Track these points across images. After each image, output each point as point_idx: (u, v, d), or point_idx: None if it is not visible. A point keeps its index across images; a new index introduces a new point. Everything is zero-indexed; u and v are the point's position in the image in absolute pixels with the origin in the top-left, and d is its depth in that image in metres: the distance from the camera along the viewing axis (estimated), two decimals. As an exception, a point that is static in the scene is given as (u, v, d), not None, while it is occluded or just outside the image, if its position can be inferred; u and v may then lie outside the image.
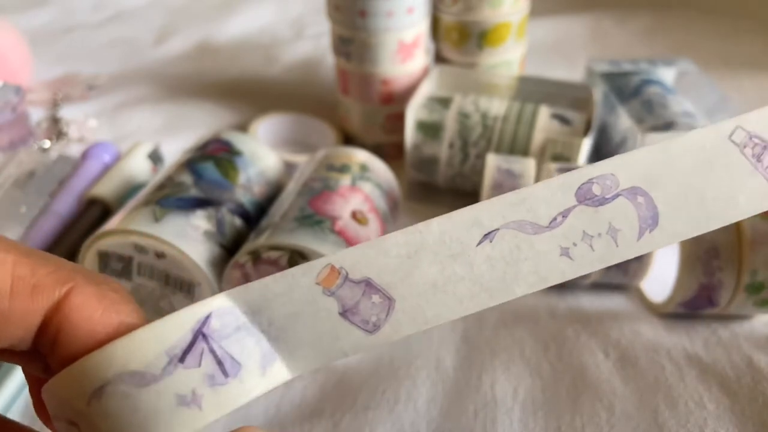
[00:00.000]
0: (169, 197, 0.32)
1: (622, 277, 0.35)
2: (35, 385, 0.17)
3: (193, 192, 0.33)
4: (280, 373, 0.16)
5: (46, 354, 0.15)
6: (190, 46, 0.70)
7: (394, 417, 0.29)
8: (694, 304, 0.33)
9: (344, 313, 0.16)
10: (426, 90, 0.44)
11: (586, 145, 0.40)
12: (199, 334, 0.15)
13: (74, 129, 0.52)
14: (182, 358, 0.14)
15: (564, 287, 0.37)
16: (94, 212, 0.39)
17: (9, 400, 0.30)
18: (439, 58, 0.49)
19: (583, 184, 0.16)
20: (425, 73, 0.47)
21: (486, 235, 0.16)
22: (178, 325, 0.15)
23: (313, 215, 0.31)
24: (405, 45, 0.44)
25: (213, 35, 0.72)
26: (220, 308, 0.15)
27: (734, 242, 0.31)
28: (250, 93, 0.60)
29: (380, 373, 0.31)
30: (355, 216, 0.32)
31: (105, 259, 0.32)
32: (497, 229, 0.16)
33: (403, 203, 0.42)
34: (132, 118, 0.55)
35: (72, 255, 0.36)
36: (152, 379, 0.14)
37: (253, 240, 0.31)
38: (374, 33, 0.43)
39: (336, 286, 0.16)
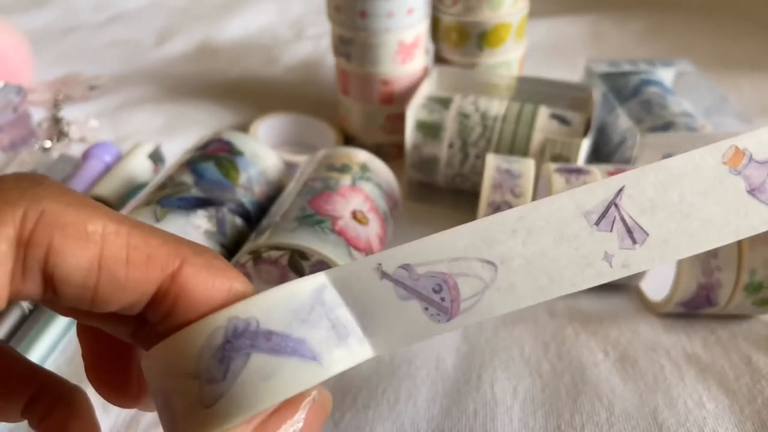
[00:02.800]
0: (170, 197, 0.32)
1: (621, 276, 0.35)
2: (92, 351, 0.18)
3: (194, 192, 0.33)
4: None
5: (155, 321, 0.15)
6: (191, 46, 0.70)
7: (394, 415, 0.29)
8: (693, 304, 0.33)
9: (752, 192, 0.16)
10: (426, 90, 0.44)
11: (585, 145, 0.40)
12: (612, 204, 0.16)
13: (75, 129, 0.52)
14: (597, 222, 0.16)
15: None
16: (96, 212, 0.39)
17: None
18: (439, 59, 0.49)
19: None
20: (425, 73, 0.47)
21: None
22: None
23: (314, 215, 0.31)
24: (405, 45, 0.44)
25: (214, 36, 0.72)
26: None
27: (733, 242, 0.31)
28: (251, 93, 0.60)
29: (380, 372, 0.31)
30: (356, 216, 0.32)
31: (106, 259, 0.32)
32: None
33: (403, 203, 0.42)
34: (133, 118, 0.55)
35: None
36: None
37: (254, 240, 0.31)
38: (374, 33, 0.43)
39: (742, 166, 0.16)
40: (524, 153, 0.41)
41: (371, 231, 0.33)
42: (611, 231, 0.16)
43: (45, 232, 0.13)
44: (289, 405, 0.15)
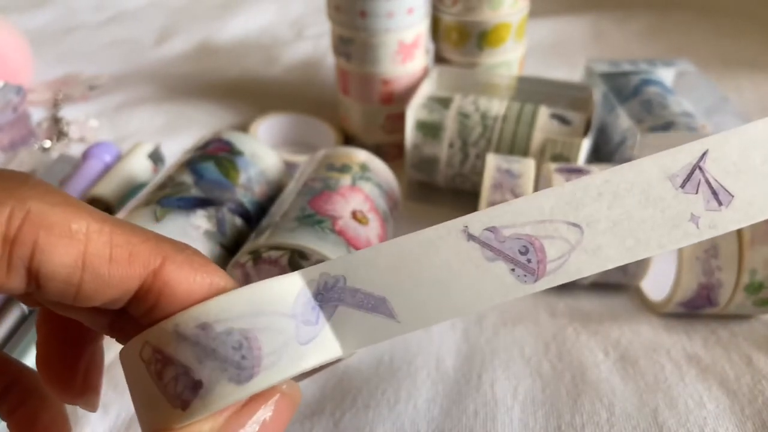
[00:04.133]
0: (169, 197, 0.32)
1: (621, 276, 0.35)
2: (47, 343, 0.18)
3: (194, 192, 0.33)
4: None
5: (139, 315, 0.16)
6: (191, 46, 0.70)
7: (394, 416, 0.29)
8: (694, 304, 0.33)
9: None
10: (426, 90, 0.44)
11: (586, 145, 0.40)
12: (697, 168, 0.16)
13: (75, 129, 0.52)
14: (683, 184, 0.16)
15: (563, 287, 0.37)
16: (95, 212, 0.39)
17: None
18: (439, 59, 0.49)
19: None
20: (425, 73, 0.47)
21: None
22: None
23: (314, 215, 0.31)
24: (405, 45, 0.44)
25: (214, 36, 0.72)
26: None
27: (733, 242, 0.31)
28: (251, 93, 0.60)
29: (380, 373, 0.31)
30: (356, 216, 0.32)
31: (106, 259, 0.32)
32: None
33: (403, 203, 0.42)
34: (133, 118, 0.55)
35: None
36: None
37: (254, 240, 0.31)
38: (374, 33, 0.43)
39: None
40: (524, 153, 0.40)
41: (371, 231, 0.33)
42: (697, 193, 0.16)
43: (30, 230, 0.14)
44: (258, 398, 0.16)
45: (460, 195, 0.45)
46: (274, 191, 0.37)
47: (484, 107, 0.42)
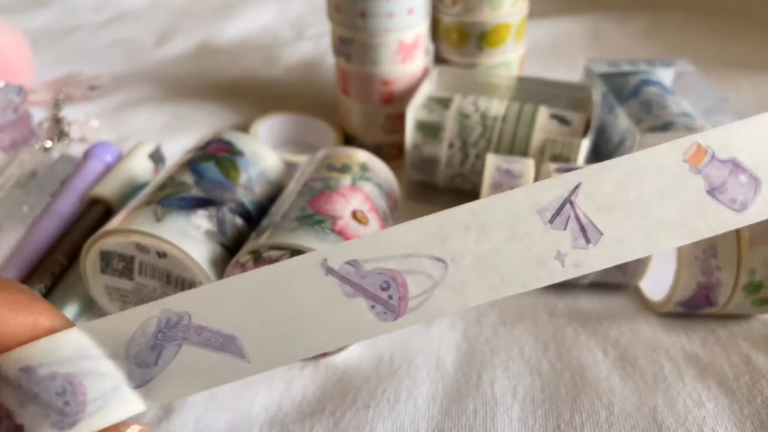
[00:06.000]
0: (170, 197, 0.32)
1: (620, 276, 0.35)
2: None
3: (195, 192, 0.33)
4: None
5: None
6: (192, 46, 0.70)
7: (394, 415, 0.29)
8: (693, 304, 0.33)
9: (711, 192, 0.16)
10: (426, 90, 0.44)
11: (585, 145, 0.40)
12: (567, 202, 0.16)
13: (76, 129, 0.52)
14: (551, 220, 0.16)
15: (563, 286, 0.37)
16: (96, 212, 0.39)
17: None
18: (439, 59, 0.49)
19: None
20: (425, 73, 0.47)
21: None
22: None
23: (314, 215, 0.31)
24: (405, 46, 0.44)
25: (214, 36, 0.72)
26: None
27: (733, 242, 0.31)
28: (251, 93, 0.60)
29: (380, 372, 0.31)
30: (356, 216, 0.32)
31: (107, 259, 0.32)
32: None
33: (403, 203, 0.42)
34: (133, 118, 0.55)
35: (73, 255, 0.37)
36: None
37: (254, 239, 0.31)
38: (374, 34, 0.43)
39: (703, 165, 0.16)
40: (524, 153, 0.41)
41: (371, 231, 0.33)
42: (565, 229, 0.16)
43: None
44: None
45: (460, 195, 0.45)
46: (275, 191, 0.37)
47: (484, 107, 0.42)
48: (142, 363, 0.15)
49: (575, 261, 0.16)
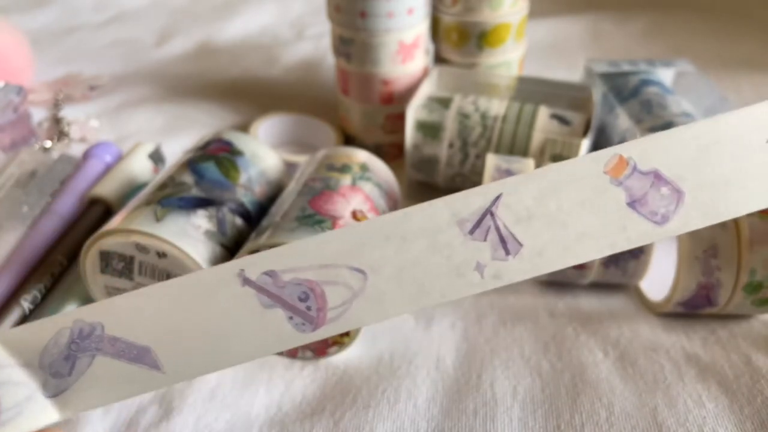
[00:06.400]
0: (170, 197, 0.32)
1: (620, 276, 0.35)
2: None
3: (195, 192, 0.33)
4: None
5: None
6: (191, 46, 0.70)
7: (394, 415, 0.29)
8: (693, 304, 0.33)
9: (632, 204, 0.15)
10: (426, 90, 0.44)
11: (585, 145, 0.40)
12: (488, 213, 0.15)
13: (76, 129, 0.52)
14: (472, 231, 0.15)
15: (563, 287, 0.37)
16: (96, 212, 0.39)
17: None
18: (439, 59, 0.49)
19: None
20: (425, 73, 0.47)
21: None
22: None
23: (314, 215, 0.31)
24: (405, 45, 0.44)
25: (214, 36, 0.72)
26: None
27: (733, 242, 0.31)
28: (251, 93, 0.60)
29: (380, 372, 0.31)
30: (356, 216, 0.32)
31: (106, 259, 0.32)
32: None
33: (403, 203, 0.42)
34: (133, 118, 0.55)
35: (73, 255, 0.37)
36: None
37: (254, 239, 0.31)
38: (375, 33, 0.43)
39: (624, 176, 0.15)
40: (524, 153, 0.41)
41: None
42: (485, 240, 0.16)
43: None
44: None
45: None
46: (275, 191, 0.37)
47: (484, 107, 0.42)
48: (57, 373, 0.15)
49: (495, 272, 0.16)
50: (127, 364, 0.15)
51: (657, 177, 0.15)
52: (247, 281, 0.15)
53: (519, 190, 0.15)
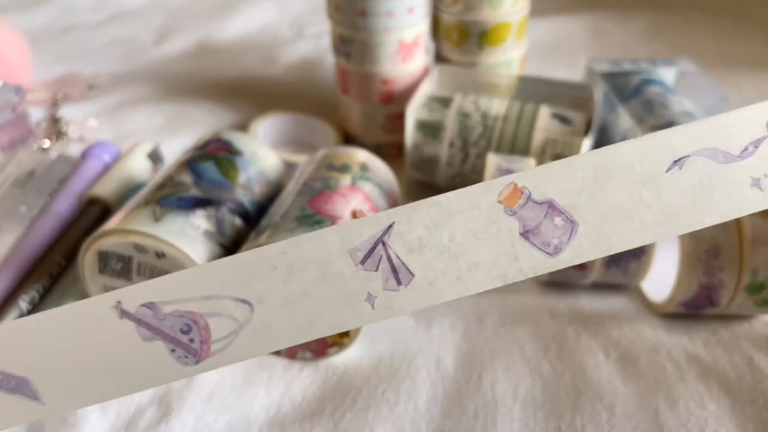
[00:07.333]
0: (169, 197, 0.32)
1: (622, 277, 0.35)
2: None
3: (193, 192, 0.33)
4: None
5: None
6: (191, 45, 0.70)
7: (394, 416, 0.29)
8: (695, 304, 0.33)
9: (525, 234, 0.15)
10: (426, 90, 0.44)
11: (587, 145, 0.40)
12: (380, 242, 0.15)
13: (74, 129, 0.52)
14: (363, 260, 0.15)
15: (564, 287, 0.37)
16: (94, 212, 0.39)
17: None
18: (440, 58, 0.49)
19: None
20: (425, 72, 0.47)
21: (676, 161, 0.15)
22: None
23: (314, 215, 0.31)
24: (405, 45, 0.44)
25: (213, 35, 0.72)
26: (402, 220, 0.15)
27: (735, 242, 0.31)
28: (251, 93, 0.60)
29: (380, 373, 0.31)
30: (356, 216, 0.32)
31: (105, 259, 0.31)
32: (688, 156, 0.15)
33: (403, 203, 0.42)
34: (132, 117, 0.55)
35: (72, 255, 0.36)
36: None
37: (254, 239, 0.31)
38: (374, 33, 0.43)
39: (518, 206, 0.15)
40: (525, 153, 0.40)
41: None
42: (376, 270, 0.15)
43: None
44: None
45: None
46: (274, 191, 0.37)
47: (485, 107, 0.42)
48: None
49: (386, 303, 0.15)
50: (5, 394, 0.15)
51: (551, 207, 0.15)
52: (125, 314, 0.15)
53: (412, 219, 0.15)
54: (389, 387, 0.31)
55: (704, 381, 0.31)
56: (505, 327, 0.34)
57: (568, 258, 0.15)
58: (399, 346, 0.33)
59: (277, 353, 0.32)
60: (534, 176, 0.15)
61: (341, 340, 0.31)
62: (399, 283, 0.15)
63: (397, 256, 0.15)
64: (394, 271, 0.15)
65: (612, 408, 0.29)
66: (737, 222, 0.32)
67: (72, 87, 0.58)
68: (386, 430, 0.28)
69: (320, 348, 0.32)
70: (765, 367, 0.31)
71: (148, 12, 0.78)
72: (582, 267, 0.34)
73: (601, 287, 0.37)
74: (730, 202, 0.15)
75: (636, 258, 0.34)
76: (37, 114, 0.55)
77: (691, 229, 0.15)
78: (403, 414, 0.29)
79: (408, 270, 0.15)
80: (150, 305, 0.15)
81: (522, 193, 0.15)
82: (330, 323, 0.15)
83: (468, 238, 0.15)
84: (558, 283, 0.37)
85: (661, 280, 0.35)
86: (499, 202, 0.15)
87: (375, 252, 0.15)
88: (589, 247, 0.15)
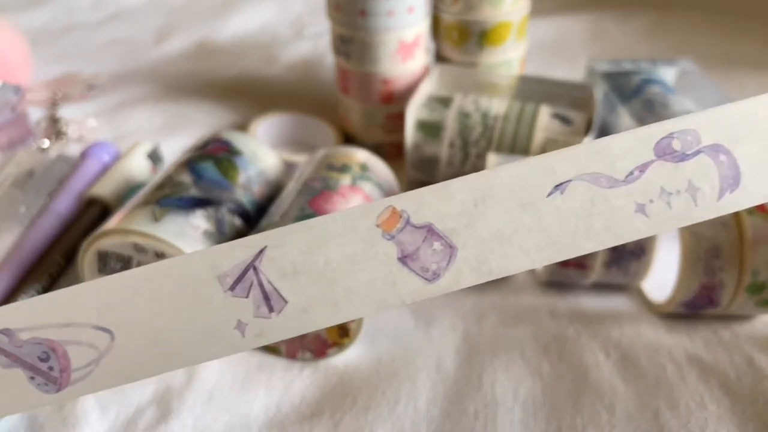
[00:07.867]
0: (168, 197, 0.32)
1: (622, 277, 0.35)
2: None
3: (193, 192, 0.33)
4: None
5: None
6: (190, 45, 0.70)
7: (394, 417, 0.29)
8: (695, 304, 0.33)
9: (403, 259, 0.15)
10: (426, 89, 0.44)
11: (587, 144, 0.39)
12: (251, 267, 0.14)
13: (73, 128, 0.52)
14: (233, 287, 0.14)
15: (564, 287, 0.37)
16: (94, 212, 0.39)
17: None
18: (440, 58, 0.49)
19: (663, 138, 0.15)
20: (425, 72, 0.47)
21: (558, 186, 0.15)
22: (231, 254, 0.14)
23: (313, 215, 0.31)
24: (405, 44, 0.44)
25: (213, 35, 0.72)
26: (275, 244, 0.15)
27: (735, 242, 0.31)
28: (250, 92, 0.60)
29: (380, 374, 0.31)
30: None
31: (104, 259, 0.31)
32: (569, 180, 0.15)
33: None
34: (131, 117, 0.55)
35: (71, 255, 0.36)
36: None
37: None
38: (374, 32, 0.43)
39: (396, 230, 0.15)
40: (525, 152, 0.40)
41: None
42: (247, 297, 0.15)
43: None
44: None
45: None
46: (274, 191, 0.37)
47: (485, 107, 0.42)
48: None
49: (257, 331, 0.15)
50: None
51: (430, 231, 0.15)
52: None
53: (285, 243, 0.15)
54: (389, 387, 0.30)
55: (705, 381, 0.31)
56: (505, 327, 0.34)
57: (446, 284, 0.15)
58: (399, 347, 0.33)
59: (277, 353, 0.32)
60: (412, 199, 0.15)
61: (341, 340, 0.31)
62: (271, 310, 0.15)
63: (269, 282, 0.15)
64: (266, 297, 0.15)
65: (612, 408, 0.29)
66: (738, 222, 0.32)
67: (71, 87, 0.58)
68: (386, 431, 0.28)
69: (320, 348, 0.32)
70: (766, 368, 0.31)
71: (147, 12, 0.78)
72: (583, 267, 0.34)
73: (602, 287, 0.37)
74: (613, 228, 0.15)
75: (636, 258, 0.34)
76: (36, 114, 0.55)
77: (572, 255, 0.15)
78: (403, 414, 0.29)
79: (281, 296, 0.15)
80: (6, 332, 0.14)
81: (401, 217, 0.15)
82: (196, 354, 0.15)
83: (344, 262, 0.15)
84: (558, 283, 0.37)
85: (661, 280, 0.34)
86: (377, 225, 0.15)
87: (245, 278, 0.14)
88: (468, 272, 0.15)
